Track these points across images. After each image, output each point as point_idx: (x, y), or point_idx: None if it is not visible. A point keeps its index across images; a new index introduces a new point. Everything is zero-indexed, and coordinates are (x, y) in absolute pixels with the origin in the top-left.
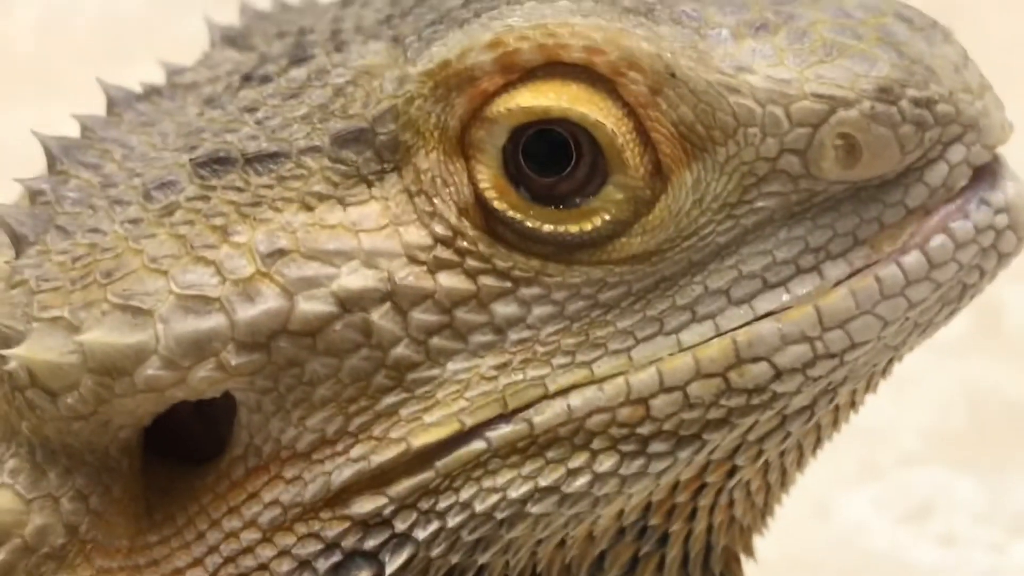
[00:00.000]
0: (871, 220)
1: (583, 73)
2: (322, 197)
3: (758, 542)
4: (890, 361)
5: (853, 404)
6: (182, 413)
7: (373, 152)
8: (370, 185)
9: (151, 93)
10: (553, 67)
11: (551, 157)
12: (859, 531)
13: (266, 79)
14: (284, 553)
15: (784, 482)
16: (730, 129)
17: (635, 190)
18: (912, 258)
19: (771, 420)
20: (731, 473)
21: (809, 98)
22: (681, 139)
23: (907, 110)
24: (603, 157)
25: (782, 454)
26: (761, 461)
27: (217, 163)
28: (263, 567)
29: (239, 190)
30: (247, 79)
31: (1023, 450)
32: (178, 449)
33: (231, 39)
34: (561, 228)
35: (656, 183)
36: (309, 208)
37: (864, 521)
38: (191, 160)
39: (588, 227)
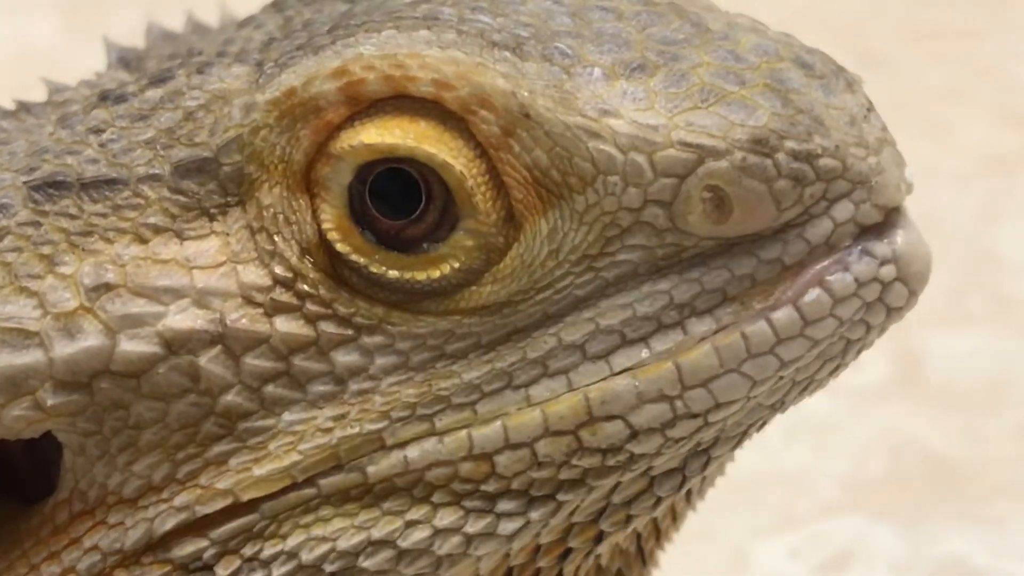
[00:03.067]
0: (743, 276)
1: (434, 110)
2: (158, 229)
3: None
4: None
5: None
6: (13, 450)
7: (217, 184)
8: (212, 219)
9: (20, 110)
10: (402, 101)
11: (402, 199)
12: None
13: (121, 99)
14: None
15: (658, 534)
16: (588, 176)
17: (487, 237)
18: (783, 314)
19: (637, 482)
20: (598, 538)
21: (675, 146)
22: (536, 184)
23: (784, 163)
24: (453, 201)
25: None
26: (632, 527)
27: (52, 187)
28: None
29: (72, 217)
30: (103, 98)
31: (942, 499)
32: (10, 487)
33: (126, 61)
34: (407, 275)
35: (509, 230)
36: (143, 240)
37: (782, 570)
38: (25, 183)
39: (436, 274)
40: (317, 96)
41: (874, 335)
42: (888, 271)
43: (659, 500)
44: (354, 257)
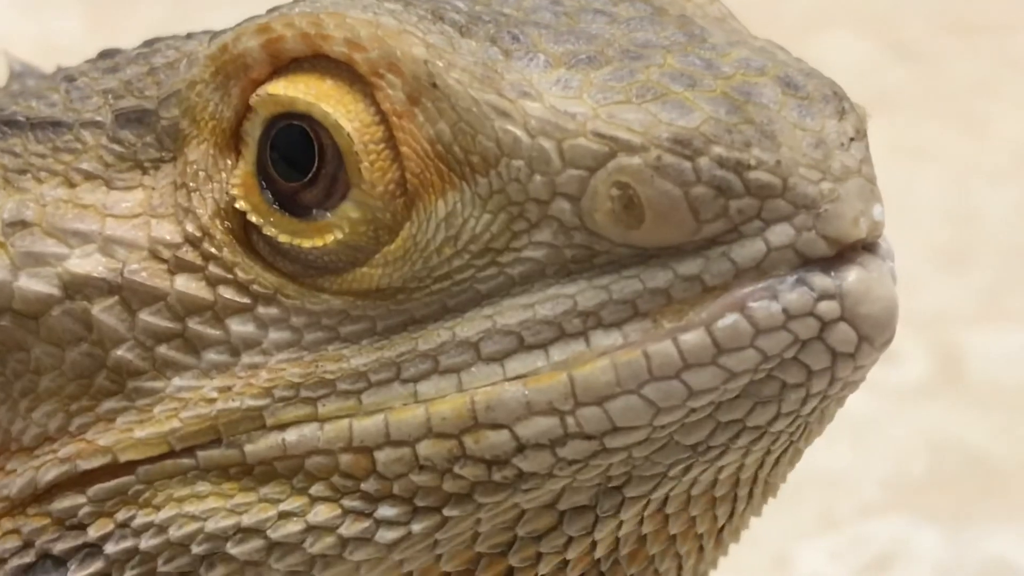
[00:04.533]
0: (657, 291)
1: (346, 71)
2: (89, 176)
3: None
4: (755, 473)
5: (727, 529)
6: None
7: (154, 137)
8: (144, 172)
9: (56, 72)
10: (319, 61)
11: (304, 162)
12: None
13: (110, 55)
14: None
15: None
16: (492, 157)
17: (373, 210)
18: (692, 336)
19: (543, 516)
20: (508, 574)
21: (587, 136)
22: (436, 160)
23: (705, 169)
24: (344, 168)
25: (597, 562)
26: (550, 567)
27: (7, 124)
28: None
29: (15, 156)
30: (100, 55)
31: (985, 499)
32: None
33: None
34: (296, 241)
35: (399, 207)
36: (71, 184)
37: (823, 572)
38: None
39: (320, 243)
40: (244, 52)
41: (821, 382)
42: (829, 307)
43: (570, 539)
44: (251, 217)
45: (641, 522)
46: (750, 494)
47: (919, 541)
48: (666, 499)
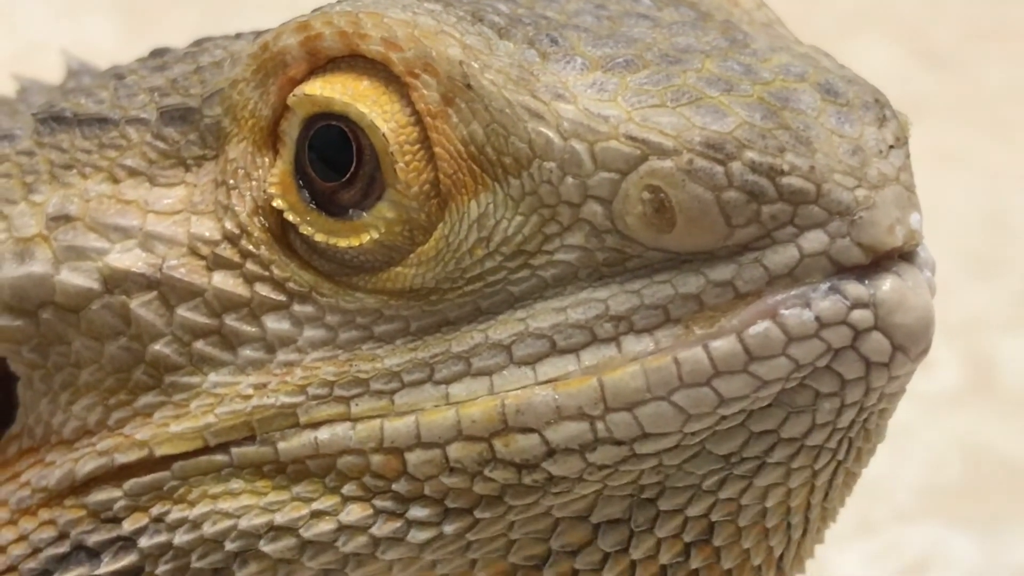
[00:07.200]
0: (688, 296)
1: (382, 71)
2: (133, 172)
3: None
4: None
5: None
6: None
7: (198, 135)
8: (187, 169)
9: (109, 70)
10: (356, 60)
11: (342, 162)
12: None
13: (160, 54)
14: (23, 538)
15: None
16: (524, 159)
17: (408, 210)
18: (723, 344)
19: (578, 529)
20: None
21: (620, 139)
22: (469, 160)
23: (737, 173)
24: (380, 168)
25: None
26: None
27: (55, 120)
28: (2, 549)
29: (62, 151)
30: (153, 53)
31: (1019, 506)
32: None
33: None
34: (332, 240)
35: (433, 208)
36: (115, 180)
37: None
38: (33, 115)
39: (356, 243)
40: (284, 50)
41: (856, 392)
42: (862, 316)
43: (606, 556)
44: (288, 215)
45: (688, 555)
46: (805, 520)
47: (953, 547)
48: (711, 528)
